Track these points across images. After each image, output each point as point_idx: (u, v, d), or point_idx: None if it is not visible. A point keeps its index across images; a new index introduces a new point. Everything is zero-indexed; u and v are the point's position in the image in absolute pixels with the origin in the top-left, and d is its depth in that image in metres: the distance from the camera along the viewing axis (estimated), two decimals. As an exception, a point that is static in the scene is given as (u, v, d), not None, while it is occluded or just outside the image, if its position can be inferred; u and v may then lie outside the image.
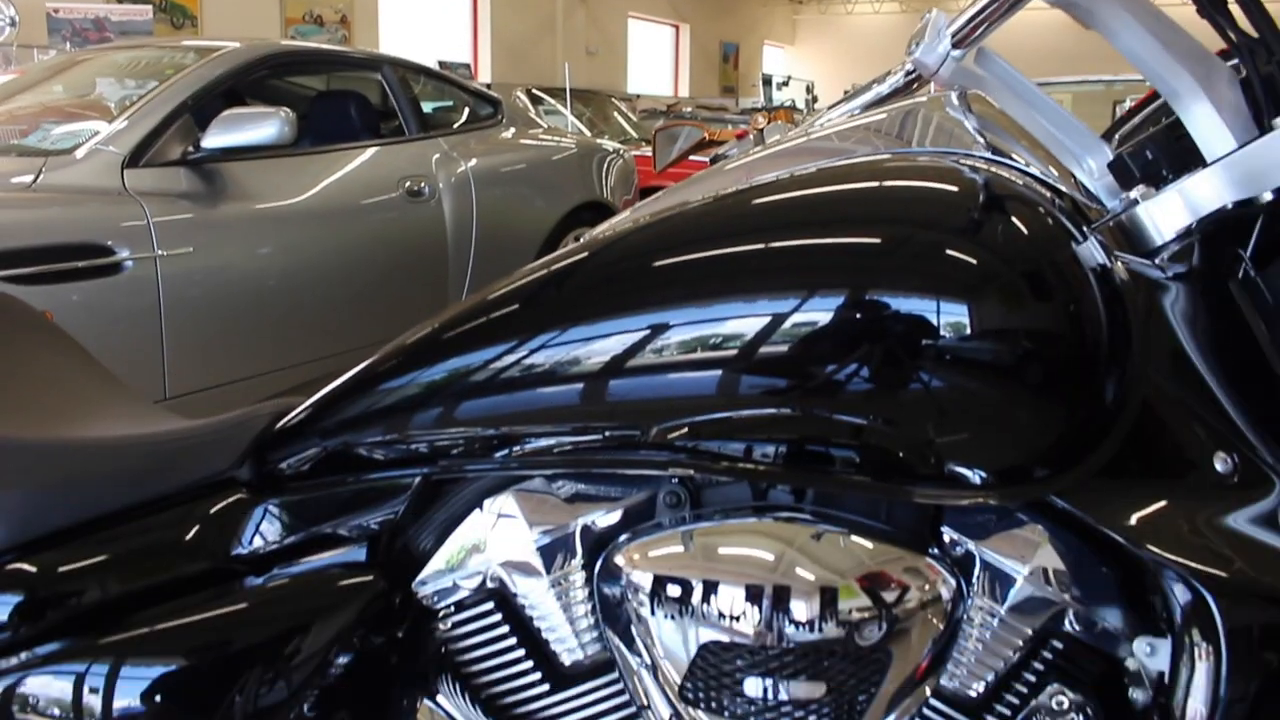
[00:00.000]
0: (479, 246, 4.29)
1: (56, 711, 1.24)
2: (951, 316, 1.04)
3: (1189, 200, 1.12)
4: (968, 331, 1.04)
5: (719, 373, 1.09)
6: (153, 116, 3.42)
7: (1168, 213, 1.14)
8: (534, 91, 7.87)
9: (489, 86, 14.31)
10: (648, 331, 1.11)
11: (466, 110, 4.92)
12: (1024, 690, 1.16)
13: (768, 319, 1.07)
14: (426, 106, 4.73)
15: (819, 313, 1.07)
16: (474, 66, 16.44)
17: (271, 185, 3.60)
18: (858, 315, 1.06)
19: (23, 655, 1.27)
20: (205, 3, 11.71)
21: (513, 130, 5.01)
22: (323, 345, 3.62)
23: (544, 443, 1.16)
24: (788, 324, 1.07)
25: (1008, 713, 1.16)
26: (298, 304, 3.58)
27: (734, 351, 1.08)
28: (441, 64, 15.04)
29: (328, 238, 3.71)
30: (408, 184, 4.05)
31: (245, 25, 11.94)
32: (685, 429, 1.10)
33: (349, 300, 3.74)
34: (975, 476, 1.05)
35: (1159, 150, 1.18)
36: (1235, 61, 1.17)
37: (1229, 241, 1.16)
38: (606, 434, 1.13)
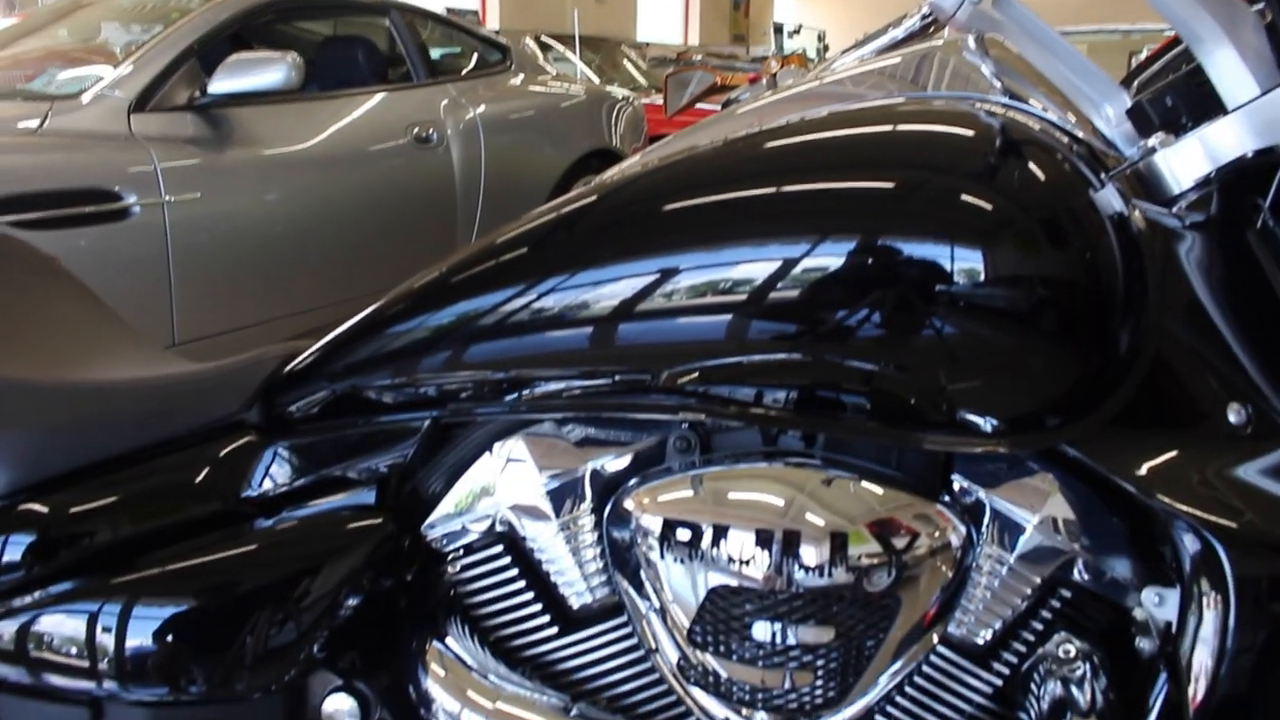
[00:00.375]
0: (487, 194, 4.28)
1: (70, 650, 1.25)
2: (965, 262, 1.03)
3: (1208, 148, 1.11)
4: (982, 278, 1.03)
5: (729, 317, 1.08)
6: (158, 61, 3.40)
7: (1186, 160, 1.12)
8: (543, 39, 7.77)
9: (497, 33, 14.11)
10: (657, 275, 1.10)
11: (475, 56, 4.88)
12: (1031, 638, 1.16)
13: (778, 263, 1.06)
14: (434, 53, 4.69)
15: (830, 257, 1.06)
16: (481, 12, 16.14)
17: (279, 131, 3.58)
18: (870, 260, 1.05)
19: (35, 594, 1.28)
20: None
21: (521, 77, 4.96)
22: (331, 292, 3.62)
23: (553, 386, 1.15)
24: (798, 269, 1.06)
25: (1014, 660, 1.17)
26: (305, 250, 3.59)
27: (744, 296, 1.07)
28: (449, 10, 14.85)
29: (335, 184, 3.70)
30: (415, 130, 4.04)
31: None
32: (695, 374, 1.10)
33: (357, 247, 3.74)
34: (987, 424, 1.05)
35: (1179, 97, 1.17)
36: (1260, 6, 1.15)
37: (1248, 191, 1.14)
38: (616, 378, 1.13)
